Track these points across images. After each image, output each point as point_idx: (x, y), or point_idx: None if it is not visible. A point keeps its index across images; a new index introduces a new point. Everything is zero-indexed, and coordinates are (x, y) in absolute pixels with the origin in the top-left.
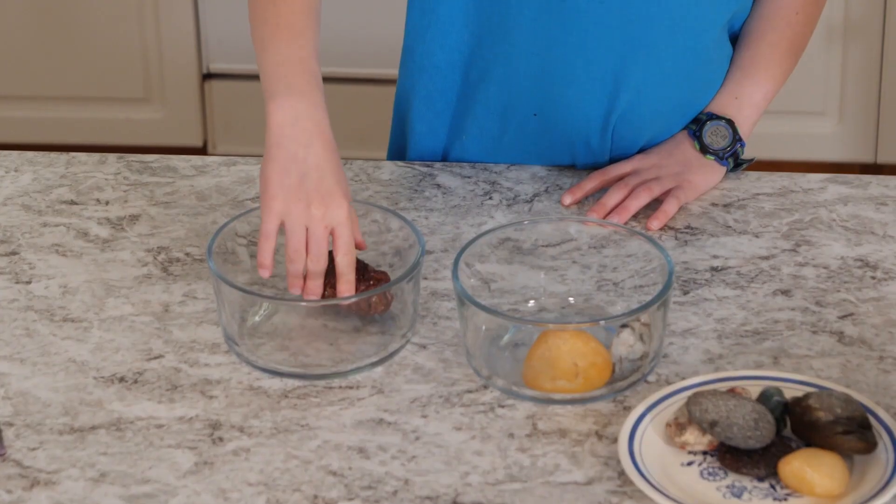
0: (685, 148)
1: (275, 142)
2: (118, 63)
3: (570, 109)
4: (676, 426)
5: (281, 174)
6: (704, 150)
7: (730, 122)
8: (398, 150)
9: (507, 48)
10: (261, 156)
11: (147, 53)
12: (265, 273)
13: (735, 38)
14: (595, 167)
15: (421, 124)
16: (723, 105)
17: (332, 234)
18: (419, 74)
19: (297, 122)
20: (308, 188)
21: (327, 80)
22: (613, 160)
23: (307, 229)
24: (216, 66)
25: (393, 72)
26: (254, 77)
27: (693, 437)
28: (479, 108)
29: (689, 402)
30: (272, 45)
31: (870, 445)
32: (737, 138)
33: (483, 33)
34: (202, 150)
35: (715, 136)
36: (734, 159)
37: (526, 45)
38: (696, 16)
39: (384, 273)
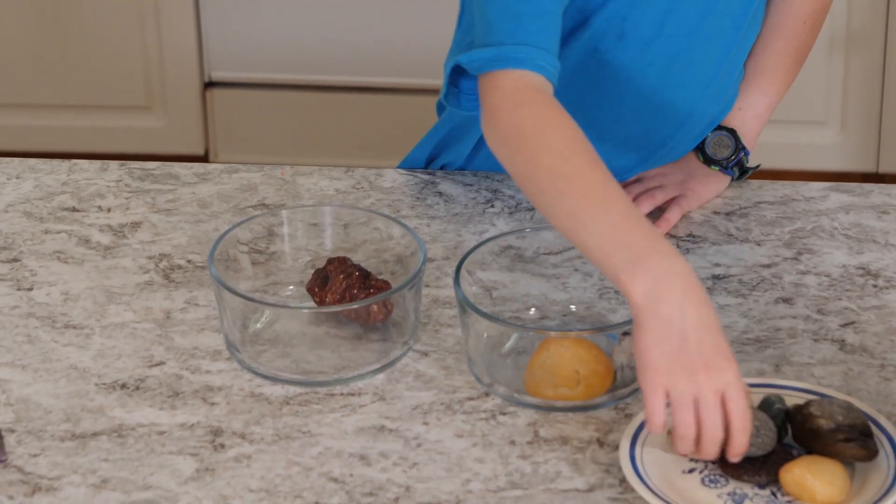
0: (689, 158)
1: (643, 308)
2: (120, 71)
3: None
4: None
5: (658, 343)
6: (708, 161)
7: (731, 132)
8: (419, 161)
9: None
10: (262, 164)
11: (148, 61)
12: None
13: None
14: None
15: (463, 135)
16: (727, 116)
17: (722, 398)
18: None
19: (660, 284)
20: (689, 354)
21: (327, 88)
22: None
23: (696, 400)
24: (218, 75)
25: (394, 80)
26: (256, 85)
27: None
28: None
29: None
30: (586, 218)
31: (871, 453)
32: (740, 147)
33: None
34: (204, 159)
35: (718, 146)
36: (739, 168)
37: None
38: (726, 71)
39: (386, 282)
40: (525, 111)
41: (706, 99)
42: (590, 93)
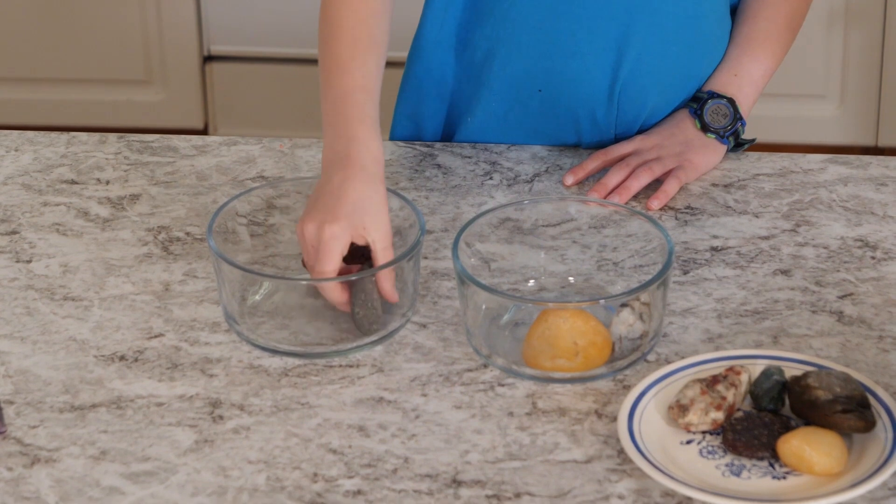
0: (686, 127)
1: (321, 176)
2: (119, 45)
3: (574, 82)
4: (679, 408)
5: (312, 195)
6: (705, 128)
7: (730, 101)
8: (403, 132)
9: (509, 24)
10: (261, 136)
11: (148, 35)
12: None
13: (734, 13)
14: (600, 146)
15: (424, 106)
16: (723, 83)
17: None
18: (419, 54)
19: (331, 158)
20: (313, 208)
21: None
22: (619, 137)
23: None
24: (217, 49)
25: (394, 54)
26: (255, 59)
27: (697, 417)
28: (483, 89)
29: None
30: (323, 87)
31: (869, 424)
32: (737, 117)
33: (485, 11)
34: (203, 133)
35: (716, 114)
36: (735, 138)
37: (528, 19)
38: None
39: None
40: None
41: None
42: (557, 2)
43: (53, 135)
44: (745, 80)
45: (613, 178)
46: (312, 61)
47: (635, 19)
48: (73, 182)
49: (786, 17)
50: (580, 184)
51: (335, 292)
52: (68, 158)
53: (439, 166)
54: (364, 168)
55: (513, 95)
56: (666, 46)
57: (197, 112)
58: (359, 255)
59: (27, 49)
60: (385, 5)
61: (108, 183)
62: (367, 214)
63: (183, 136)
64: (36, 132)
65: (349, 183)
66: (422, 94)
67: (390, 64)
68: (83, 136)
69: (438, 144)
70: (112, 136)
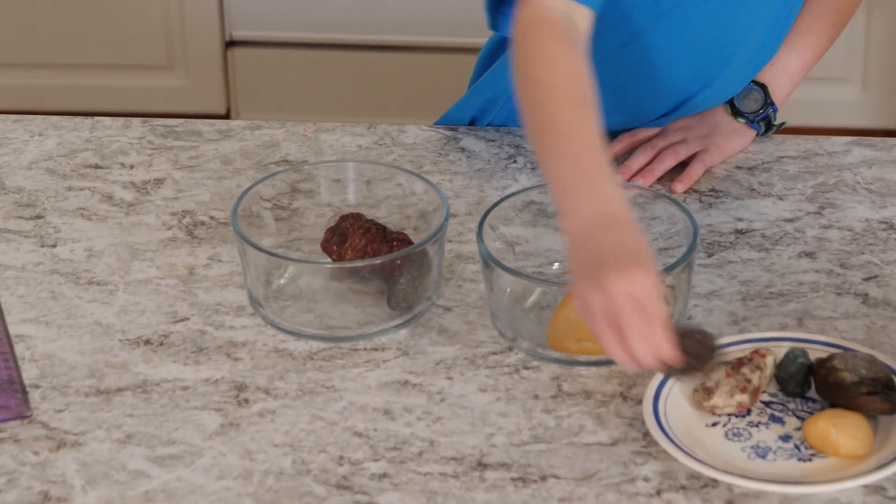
0: (716, 111)
1: (574, 244)
2: (141, 30)
3: (638, 103)
4: (704, 391)
5: (581, 264)
6: (736, 112)
7: (762, 87)
8: (462, 121)
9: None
10: (285, 120)
11: (170, 20)
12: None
13: None
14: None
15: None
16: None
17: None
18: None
19: (588, 219)
20: (605, 266)
21: (348, 47)
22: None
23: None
24: (239, 34)
25: (415, 39)
26: (277, 44)
27: (722, 400)
28: None
29: None
30: (550, 152)
31: (894, 406)
32: (768, 102)
33: None
34: (225, 118)
35: (747, 98)
36: (766, 124)
37: (607, 42)
38: (777, 16)
39: (404, 234)
40: (529, 43)
41: (756, 31)
42: (643, 31)
43: (78, 119)
44: (780, 70)
45: (638, 161)
46: (334, 46)
47: (717, 53)
48: (98, 167)
49: (833, 13)
50: None
51: None
52: (92, 143)
53: (463, 150)
54: (628, 221)
55: None
56: (740, 75)
57: (219, 97)
58: (390, 239)
59: (49, 35)
60: (586, 60)
61: (132, 167)
62: (648, 256)
63: (206, 120)
64: (60, 117)
65: (626, 233)
66: (507, 90)
67: (463, 49)
68: (107, 120)
69: (462, 128)
70: (136, 121)
